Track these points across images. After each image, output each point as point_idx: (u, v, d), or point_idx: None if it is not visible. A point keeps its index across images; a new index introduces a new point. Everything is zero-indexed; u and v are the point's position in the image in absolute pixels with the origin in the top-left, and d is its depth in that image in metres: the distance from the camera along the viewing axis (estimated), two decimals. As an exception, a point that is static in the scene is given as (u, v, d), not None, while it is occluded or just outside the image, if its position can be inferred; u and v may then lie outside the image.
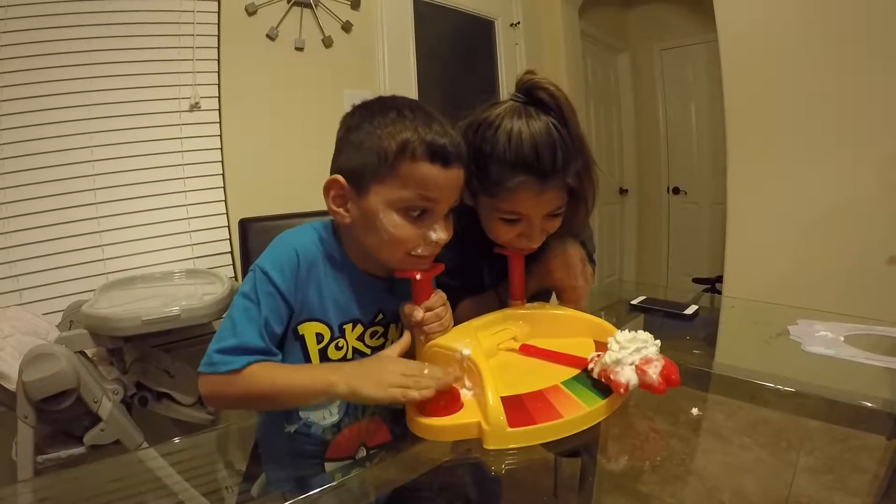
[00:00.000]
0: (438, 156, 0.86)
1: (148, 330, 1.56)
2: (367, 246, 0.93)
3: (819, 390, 1.05)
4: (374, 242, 0.91)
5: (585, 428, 0.79)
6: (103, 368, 1.69)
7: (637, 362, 0.81)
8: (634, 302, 1.50)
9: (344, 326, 0.97)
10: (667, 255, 5.09)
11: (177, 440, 0.98)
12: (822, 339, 1.19)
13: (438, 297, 0.96)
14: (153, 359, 1.79)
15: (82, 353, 1.60)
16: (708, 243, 4.62)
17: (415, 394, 0.78)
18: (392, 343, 0.99)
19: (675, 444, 0.95)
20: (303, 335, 0.95)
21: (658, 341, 0.86)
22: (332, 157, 0.96)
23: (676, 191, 4.96)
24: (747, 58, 2.74)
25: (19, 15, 1.92)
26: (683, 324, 1.40)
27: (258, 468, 0.94)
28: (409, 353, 0.94)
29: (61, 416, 1.50)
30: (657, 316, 1.45)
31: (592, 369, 0.86)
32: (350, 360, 0.99)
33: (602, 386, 0.84)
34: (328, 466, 0.90)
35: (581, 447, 0.91)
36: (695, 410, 1.01)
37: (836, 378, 1.09)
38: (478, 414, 0.77)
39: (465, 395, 0.83)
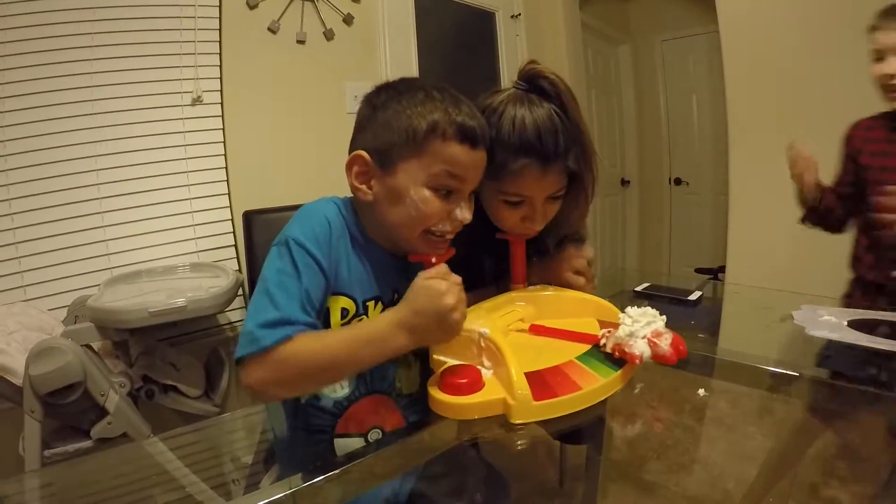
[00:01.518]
0: (468, 137, 0.88)
1: (155, 322, 1.56)
2: (387, 223, 0.92)
3: (823, 375, 1.06)
4: (397, 219, 0.90)
5: (604, 398, 0.81)
6: (109, 362, 1.70)
7: (649, 335, 0.84)
8: (639, 289, 1.51)
9: (367, 303, 0.96)
10: (668, 245, 5.10)
11: (183, 429, 0.97)
12: (826, 323, 1.19)
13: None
14: (158, 352, 1.80)
15: (88, 347, 1.61)
16: (710, 234, 4.61)
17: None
18: None
19: (679, 433, 0.96)
20: (328, 308, 0.91)
21: (664, 316, 0.88)
22: (351, 136, 0.96)
23: (678, 181, 4.96)
24: (748, 48, 2.74)
25: (23, 11, 1.92)
26: (687, 310, 1.41)
27: (267, 457, 0.95)
28: None
29: (68, 410, 1.51)
30: (661, 302, 1.45)
31: (605, 345, 0.88)
32: None
33: (613, 359, 0.86)
34: (338, 442, 0.91)
35: (587, 434, 0.92)
36: (701, 391, 1.02)
37: (839, 362, 1.09)
38: (501, 391, 0.79)
39: (485, 374, 0.84)
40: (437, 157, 0.87)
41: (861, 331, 1.14)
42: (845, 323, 1.18)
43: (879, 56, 1.49)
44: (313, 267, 0.86)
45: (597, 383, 0.80)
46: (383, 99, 0.92)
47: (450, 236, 0.94)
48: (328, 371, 0.84)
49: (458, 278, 0.84)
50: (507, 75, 3.53)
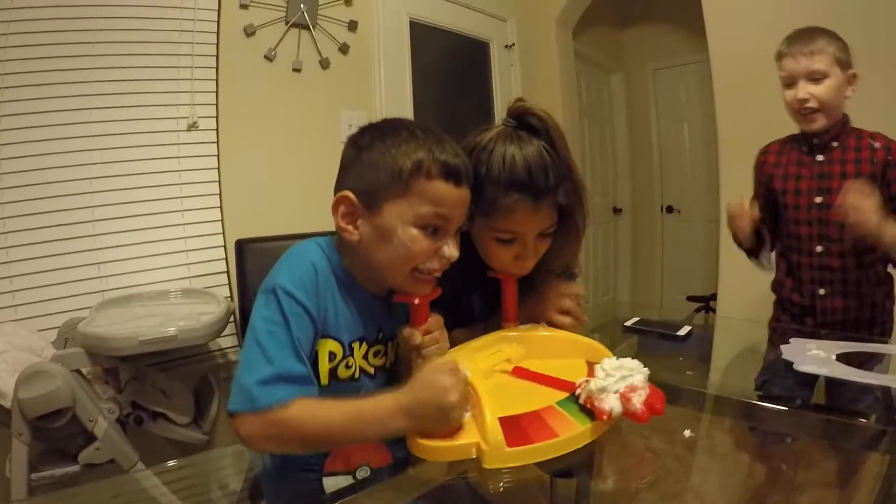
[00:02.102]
0: (452, 175, 0.89)
1: (145, 350, 1.56)
2: (374, 263, 0.93)
3: (813, 408, 1.06)
4: (384, 258, 0.91)
5: (580, 446, 0.80)
6: (98, 387, 1.69)
7: (621, 390, 0.82)
8: (628, 323, 1.51)
9: (352, 344, 0.97)
10: (661, 273, 5.11)
11: (172, 462, 0.97)
12: (814, 357, 1.20)
13: (435, 320, 0.98)
14: (148, 378, 1.79)
15: (78, 372, 1.60)
16: (702, 261, 4.63)
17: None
18: (391, 364, 1.03)
19: (670, 463, 0.96)
20: (317, 351, 0.92)
21: (646, 370, 0.86)
22: (336, 176, 0.97)
23: (670, 209, 4.99)
24: (739, 77, 2.76)
25: (21, 31, 1.94)
26: (677, 344, 1.41)
27: (255, 490, 0.95)
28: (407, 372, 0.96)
29: (56, 434, 1.50)
30: (651, 337, 1.46)
31: (580, 395, 0.87)
32: (357, 379, 0.98)
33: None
34: (327, 481, 0.91)
35: (576, 467, 0.92)
36: (687, 432, 1.02)
37: (829, 396, 1.10)
38: (476, 435, 0.79)
39: (464, 416, 0.83)
40: (423, 196, 0.88)
41: (851, 364, 1.15)
42: (833, 356, 1.19)
43: (789, 82, 1.57)
44: (302, 315, 0.86)
45: (574, 430, 0.80)
46: (367, 140, 0.93)
47: (437, 274, 0.95)
48: (325, 441, 0.85)
49: (463, 374, 0.83)
50: (501, 104, 3.56)
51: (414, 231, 0.89)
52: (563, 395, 0.90)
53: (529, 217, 1.02)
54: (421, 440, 0.80)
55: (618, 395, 0.81)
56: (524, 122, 1.05)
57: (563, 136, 1.04)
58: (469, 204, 0.96)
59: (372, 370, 1.01)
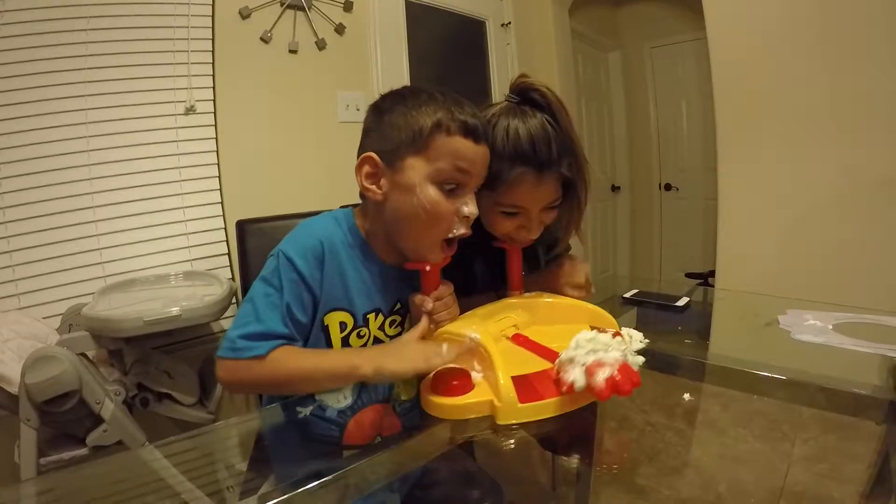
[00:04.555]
0: (471, 132, 0.93)
1: (150, 330, 1.57)
2: (396, 225, 0.96)
3: (811, 378, 1.07)
4: (406, 218, 0.94)
5: (587, 403, 0.83)
6: (104, 370, 1.70)
7: (588, 364, 0.81)
8: (627, 295, 1.52)
9: (367, 315, 1.00)
10: (660, 250, 5.12)
11: (175, 438, 0.98)
12: (812, 327, 1.21)
13: (446, 287, 1.01)
14: (153, 360, 1.80)
15: (83, 356, 1.61)
16: (700, 239, 4.64)
17: (437, 360, 0.86)
18: (404, 330, 1.05)
19: (670, 437, 0.97)
20: (327, 325, 0.97)
21: (625, 346, 0.86)
22: (359, 142, 1.00)
23: (668, 187, 4.99)
24: (736, 55, 2.76)
25: (16, 21, 1.93)
26: (676, 316, 1.42)
27: (263, 464, 0.96)
28: None
29: (64, 418, 1.51)
30: (650, 308, 1.47)
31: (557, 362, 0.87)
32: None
33: None
34: (346, 454, 0.95)
35: (578, 440, 0.93)
36: (686, 396, 1.03)
37: (826, 366, 1.11)
38: (489, 393, 0.82)
39: (476, 377, 0.87)
40: (444, 151, 0.91)
41: (845, 334, 1.16)
42: (830, 326, 1.20)
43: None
44: (298, 283, 0.92)
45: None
46: (389, 103, 0.96)
47: (464, 236, 0.97)
48: (293, 388, 0.94)
49: (472, 337, 0.89)
50: (498, 83, 3.56)
51: (432, 190, 0.91)
52: None
53: (534, 189, 1.04)
54: (435, 398, 0.83)
55: (584, 368, 0.80)
56: (527, 97, 1.07)
57: (565, 110, 1.06)
58: (486, 163, 0.99)
59: (387, 340, 1.04)
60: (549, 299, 1.13)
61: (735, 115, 2.80)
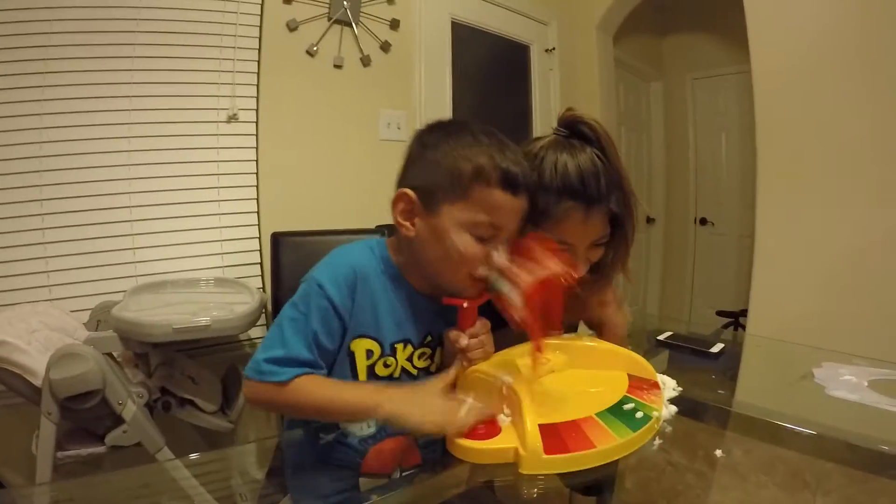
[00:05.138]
0: (510, 183, 0.90)
1: (178, 338, 1.57)
2: (426, 262, 0.95)
3: (839, 433, 1.05)
4: (436, 259, 0.93)
5: (617, 458, 0.80)
6: (129, 371, 1.71)
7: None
8: (661, 338, 1.50)
9: (395, 345, 0.99)
10: (691, 286, 5.05)
11: (195, 455, 0.98)
12: (847, 383, 1.18)
13: (482, 324, 0.98)
14: (178, 364, 1.81)
15: (109, 355, 1.62)
16: (733, 276, 4.57)
17: (454, 427, 0.82)
18: (437, 368, 1.04)
19: (691, 479, 0.96)
20: (353, 352, 0.97)
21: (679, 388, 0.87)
22: (400, 169, 1.00)
23: (704, 221, 4.93)
24: (781, 89, 2.71)
25: (68, 16, 1.98)
26: (709, 361, 1.39)
27: (279, 483, 0.96)
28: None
29: (85, 415, 1.52)
30: (683, 353, 1.44)
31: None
32: (397, 379, 1.00)
33: (633, 419, 0.85)
34: (363, 482, 0.94)
35: (598, 479, 0.91)
36: (718, 452, 1.01)
37: (856, 422, 1.08)
38: (515, 440, 0.80)
39: (503, 420, 0.85)
40: (481, 202, 0.89)
41: (880, 391, 1.13)
42: (866, 383, 1.17)
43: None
44: (328, 310, 0.92)
45: (612, 443, 0.79)
46: (434, 139, 0.95)
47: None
48: (313, 416, 0.96)
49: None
50: (540, 108, 3.56)
51: (466, 236, 0.90)
52: (604, 405, 0.89)
53: (581, 225, 1.02)
54: (460, 441, 0.81)
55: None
56: (575, 130, 1.05)
57: (613, 144, 1.04)
58: (524, 213, 0.96)
59: (416, 372, 1.02)
60: (588, 343, 1.10)
61: (777, 151, 2.75)
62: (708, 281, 4.93)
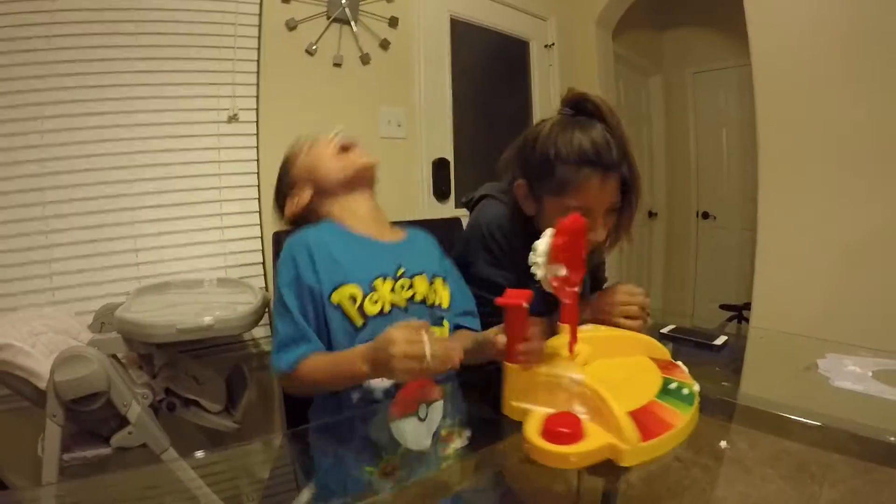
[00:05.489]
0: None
1: (182, 338, 1.57)
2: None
3: (844, 424, 1.05)
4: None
5: (690, 432, 0.85)
6: (133, 372, 1.71)
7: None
8: (664, 331, 1.50)
9: (374, 283, 1.09)
10: (694, 279, 5.04)
11: (200, 454, 0.98)
12: (851, 373, 1.18)
13: (538, 327, 0.95)
14: (181, 364, 1.81)
15: (113, 356, 1.62)
16: (736, 269, 4.56)
17: (427, 364, 0.88)
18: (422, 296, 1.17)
19: (696, 473, 0.95)
20: (339, 304, 1.06)
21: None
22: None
23: (706, 215, 4.92)
24: (781, 83, 2.70)
25: (68, 19, 1.98)
26: (712, 354, 1.39)
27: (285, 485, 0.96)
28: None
29: (90, 417, 1.52)
30: (687, 346, 1.44)
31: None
32: (388, 314, 1.10)
33: (685, 396, 0.89)
34: (395, 426, 0.99)
35: (603, 473, 0.91)
36: (723, 443, 1.01)
37: (862, 412, 1.08)
38: (604, 436, 0.78)
39: (582, 417, 0.83)
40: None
41: (885, 381, 1.13)
42: (870, 373, 1.17)
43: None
44: (295, 280, 1.08)
45: (683, 421, 0.82)
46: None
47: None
48: (324, 386, 1.07)
49: (418, 334, 0.90)
50: (540, 104, 3.56)
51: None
52: (656, 388, 0.91)
53: (599, 189, 1.14)
54: (552, 448, 0.78)
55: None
56: (581, 108, 1.17)
57: (618, 117, 1.16)
58: (526, 193, 1.21)
59: (403, 303, 1.12)
60: (608, 332, 1.13)
61: (777, 145, 2.75)
62: (711, 275, 4.92)
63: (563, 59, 3.75)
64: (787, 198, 2.74)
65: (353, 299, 1.06)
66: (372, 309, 1.07)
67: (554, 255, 0.89)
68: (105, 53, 2.05)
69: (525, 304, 0.90)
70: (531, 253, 0.91)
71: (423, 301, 1.16)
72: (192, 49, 2.20)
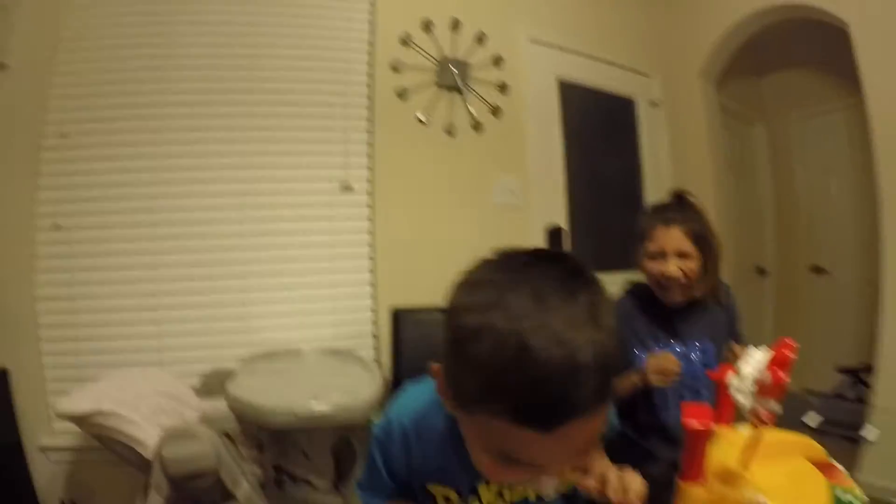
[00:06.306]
0: (535, 420, 0.59)
1: (300, 426, 1.54)
2: None
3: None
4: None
5: None
6: (242, 447, 1.68)
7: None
8: (813, 425, 1.36)
9: (478, 488, 0.86)
10: (808, 339, 4.72)
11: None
12: None
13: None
14: (291, 438, 1.76)
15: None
16: (852, 328, 4.25)
17: None
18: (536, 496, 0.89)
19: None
20: (433, 493, 0.88)
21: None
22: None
23: (818, 270, 4.63)
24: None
25: (184, 87, 2.09)
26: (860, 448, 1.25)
27: None
28: None
29: (196, 492, 1.49)
30: (834, 439, 1.30)
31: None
32: None
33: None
34: None
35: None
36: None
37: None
38: None
39: None
40: (493, 433, 0.63)
41: None
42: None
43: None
44: (383, 467, 0.90)
45: None
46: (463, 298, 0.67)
47: None
48: None
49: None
50: (649, 163, 3.49)
51: (485, 457, 0.67)
52: (825, 499, 0.81)
53: (665, 231, 1.46)
54: None
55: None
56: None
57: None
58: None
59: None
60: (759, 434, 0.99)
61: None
62: (825, 334, 4.60)
63: (670, 116, 3.68)
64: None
65: (448, 501, 0.86)
66: None
67: (768, 389, 0.79)
68: (219, 121, 2.12)
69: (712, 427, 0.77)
70: (733, 377, 0.81)
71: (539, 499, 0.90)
72: (304, 119, 2.25)
